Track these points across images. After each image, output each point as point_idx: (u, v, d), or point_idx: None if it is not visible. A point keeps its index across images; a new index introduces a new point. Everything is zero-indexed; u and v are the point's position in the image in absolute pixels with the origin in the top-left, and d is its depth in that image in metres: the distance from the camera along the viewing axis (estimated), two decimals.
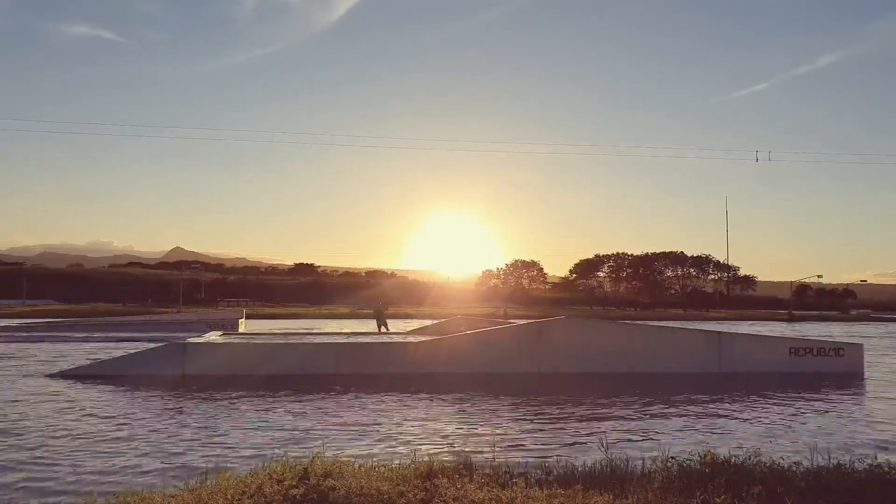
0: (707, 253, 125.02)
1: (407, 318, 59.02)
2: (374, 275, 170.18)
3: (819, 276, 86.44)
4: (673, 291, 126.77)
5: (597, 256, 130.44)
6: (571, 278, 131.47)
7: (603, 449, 5.94)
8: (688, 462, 5.49)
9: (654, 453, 6.29)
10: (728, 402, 11.88)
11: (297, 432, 8.87)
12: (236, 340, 18.42)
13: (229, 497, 4.69)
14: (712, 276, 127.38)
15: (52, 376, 14.54)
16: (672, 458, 5.61)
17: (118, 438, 8.31)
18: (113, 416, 9.87)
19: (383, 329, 26.98)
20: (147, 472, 6.74)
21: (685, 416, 10.50)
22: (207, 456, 7.40)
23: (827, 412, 10.96)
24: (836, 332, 41.40)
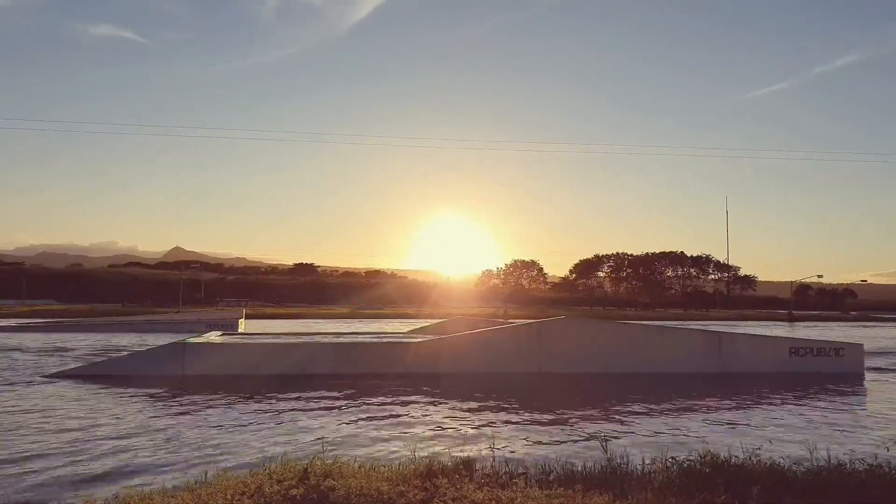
0: (707, 253, 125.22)
1: (407, 318, 59.01)
2: (374, 275, 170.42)
3: (819, 276, 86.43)
4: (673, 291, 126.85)
5: (597, 256, 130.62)
6: (571, 278, 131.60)
7: (603, 449, 5.92)
8: (688, 462, 5.48)
9: (654, 453, 6.29)
10: (728, 402, 11.88)
11: (296, 432, 8.86)
12: (236, 341, 18.40)
13: (229, 497, 4.69)
14: (712, 276, 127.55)
15: (51, 376, 14.53)
16: (672, 458, 5.60)
17: (117, 439, 8.30)
18: (112, 417, 9.87)
19: None
20: (146, 472, 6.73)
21: (685, 416, 10.50)
22: (207, 456, 7.40)
23: (827, 412, 10.96)
24: (835, 332, 41.38)
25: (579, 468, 5.65)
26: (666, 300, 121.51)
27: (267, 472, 5.26)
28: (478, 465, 5.68)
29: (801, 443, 8.22)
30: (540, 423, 9.68)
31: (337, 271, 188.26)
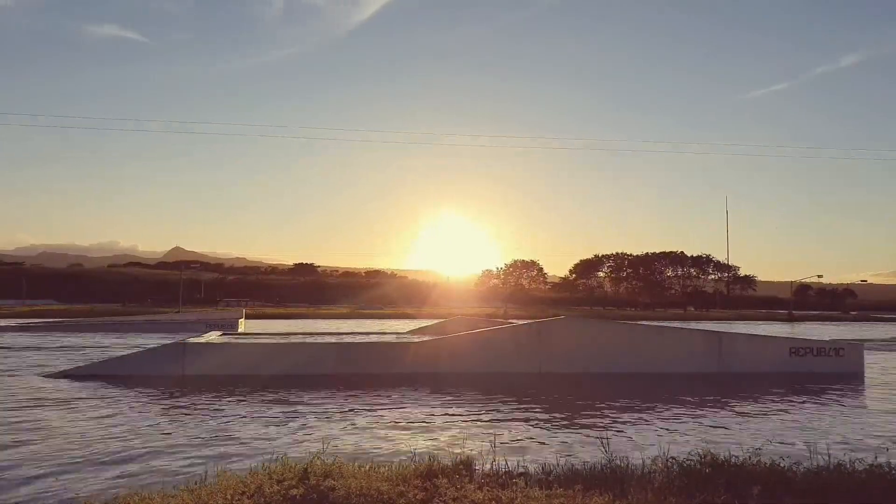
0: (707, 253, 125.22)
1: (407, 318, 59.01)
2: (374, 275, 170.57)
3: (819, 276, 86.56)
4: (673, 291, 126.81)
5: (597, 256, 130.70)
6: (571, 278, 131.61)
7: (603, 449, 5.92)
8: (688, 462, 5.48)
9: (654, 453, 6.29)
10: (728, 403, 11.87)
11: (296, 432, 8.86)
12: (236, 340, 18.41)
13: (229, 497, 4.68)
14: (712, 276, 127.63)
15: (51, 376, 14.52)
16: (672, 458, 5.60)
17: (116, 439, 8.30)
18: (112, 417, 9.86)
19: None
20: (145, 472, 6.72)
21: (685, 416, 10.49)
22: (206, 456, 7.40)
23: (827, 412, 10.95)
24: (836, 332, 41.36)
25: (579, 468, 5.65)
26: (666, 300, 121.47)
27: (267, 472, 5.26)
28: (478, 465, 5.68)
29: (802, 443, 8.23)
30: (540, 423, 9.68)
31: (337, 271, 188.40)
